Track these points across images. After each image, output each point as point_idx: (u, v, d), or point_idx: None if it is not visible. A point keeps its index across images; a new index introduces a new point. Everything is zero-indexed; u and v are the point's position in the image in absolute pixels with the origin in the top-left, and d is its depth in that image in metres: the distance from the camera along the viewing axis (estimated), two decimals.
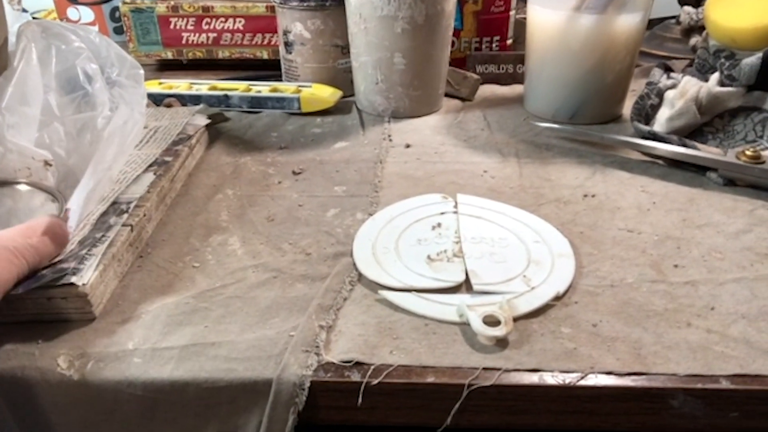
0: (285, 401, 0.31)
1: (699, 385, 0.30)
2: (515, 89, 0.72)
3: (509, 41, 0.77)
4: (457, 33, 0.73)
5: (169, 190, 0.47)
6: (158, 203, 0.45)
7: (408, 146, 0.58)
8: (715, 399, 0.30)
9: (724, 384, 0.30)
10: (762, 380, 0.30)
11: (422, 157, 0.56)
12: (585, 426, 0.32)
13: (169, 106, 0.63)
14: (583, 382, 0.31)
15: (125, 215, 0.40)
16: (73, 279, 0.34)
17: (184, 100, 0.65)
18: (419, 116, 0.65)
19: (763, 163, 0.48)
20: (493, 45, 0.75)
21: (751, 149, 0.49)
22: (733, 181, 0.49)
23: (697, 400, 0.30)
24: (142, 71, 0.49)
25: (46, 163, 0.42)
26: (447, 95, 0.69)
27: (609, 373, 0.31)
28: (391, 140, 0.59)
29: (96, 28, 0.90)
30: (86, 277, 0.34)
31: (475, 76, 0.69)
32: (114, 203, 0.41)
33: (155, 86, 0.68)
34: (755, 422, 0.31)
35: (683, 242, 0.42)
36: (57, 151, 0.44)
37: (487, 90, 0.72)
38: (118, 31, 0.90)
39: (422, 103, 0.65)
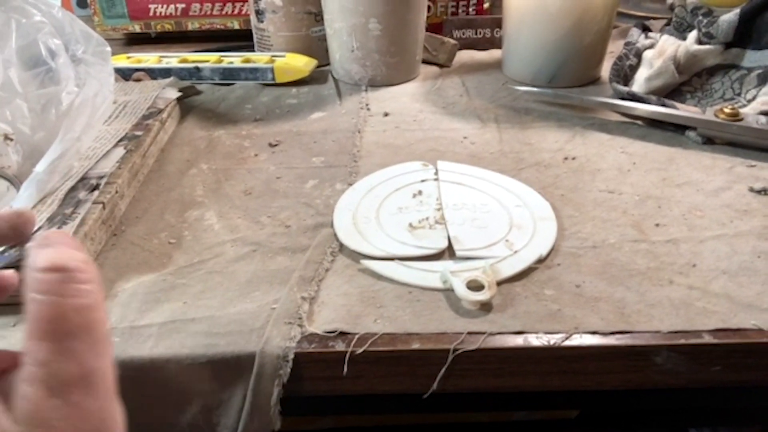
0: (269, 374, 0.30)
1: (682, 341, 0.30)
2: (493, 54, 0.71)
3: (486, 5, 0.75)
4: None
5: (141, 165, 0.46)
6: (130, 179, 0.44)
7: (386, 114, 0.57)
8: (698, 354, 0.31)
9: (707, 339, 0.31)
10: (743, 334, 0.31)
11: (401, 125, 0.55)
12: (571, 386, 0.32)
13: (138, 80, 0.61)
14: (567, 343, 0.31)
15: (96, 192, 0.39)
16: None
17: (154, 74, 0.63)
18: (397, 84, 0.64)
19: (741, 120, 0.48)
20: (470, 9, 0.74)
21: (729, 107, 0.48)
22: (712, 139, 0.49)
23: (680, 356, 0.31)
24: (108, 48, 0.47)
25: (6, 138, 0.40)
26: (424, 62, 0.67)
27: (593, 332, 0.31)
28: (369, 109, 0.58)
29: (58, 1, 0.87)
30: None
31: (453, 42, 0.68)
32: (83, 179, 0.40)
33: (123, 60, 0.66)
34: (737, 375, 0.31)
35: (664, 201, 0.42)
36: (21, 128, 0.42)
37: (465, 55, 0.71)
38: (82, 4, 0.86)
39: (399, 71, 0.63)
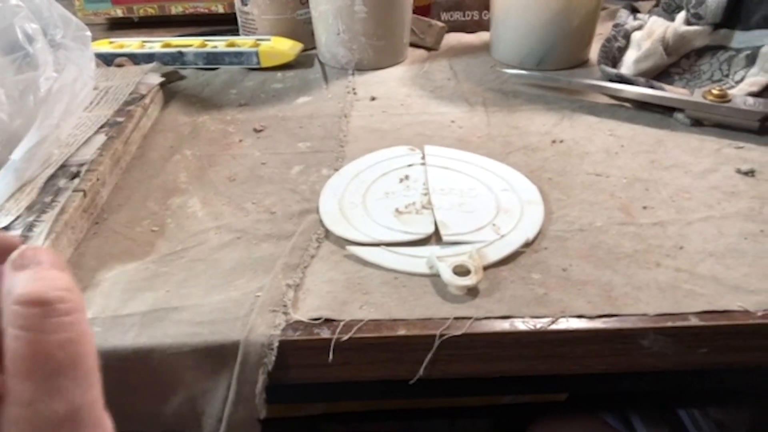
0: (254, 362, 0.30)
1: (669, 324, 0.30)
2: (481, 36, 0.70)
3: None
4: None
5: (123, 152, 0.45)
6: (112, 167, 0.43)
7: (373, 99, 0.56)
8: (685, 336, 0.31)
9: (693, 321, 0.30)
10: (730, 315, 0.31)
11: (388, 110, 0.54)
12: (557, 370, 0.32)
13: (120, 65, 0.60)
14: (554, 327, 0.30)
15: (76, 179, 0.38)
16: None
17: (137, 59, 0.62)
18: (384, 68, 0.63)
19: (729, 101, 0.47)
20: None
21: (717, 88, 0.48)
22: (700, 121, 0.49)
23: (667, 339, 0.31)
24: (89, 33, 0.46)
25: None
26: (412, 45, 0.66)
27: (580, 316, 0.31)
28: (355, 93, 0.58)
29: None
30: (37, 245, 0.32)
31: (440, 24, 0.67)
32: (63, 166, 0.39)
33: (105, 46, 0.64)
34: (723, 357, 0.31)
35: (651, 184, 0.42)
36: None
37: (453, 38, 0.70)
38: None
39: (386, 54, 0.62)
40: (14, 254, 0.18)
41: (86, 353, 0.17)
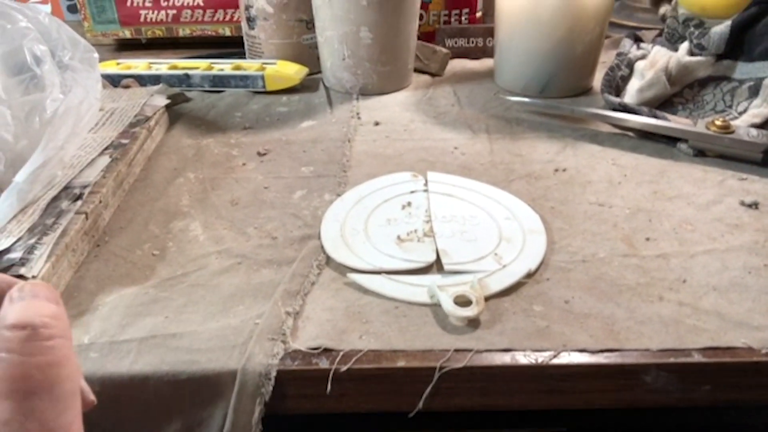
0: (251, 392, 0.30)
1: (671, 360, 0.30)
2: (485, 63, 0.70)
3: (479, 14, 0.75)
4: (425, 6, 0.71)
5: (126, 174, 0.45)
6: (115, 189, 0.43)
7: (377, 124, 0.57)
8: (688, 373, 0.30)
9: (697, 358, 0.30)
10: (733, 352, 0.30)
11: (392, 135, 0.54)
12: (559, 405, 0.31)
13: (127, 87, 0.61)
14: (555, 361, 0.30)
15: (79, 201, 0.39)
16: (22, 270, 0.32)
17: (143, 80, 0.62)
18: (388, 93, 0.63)
19: (733, 132, 0.47)
20: (463, 18, 0.74)
21: (721, 119, 0.48)
22: (703, 151, 0.49)
23: (670, 375, 0.30)
24: (96, 55, 0.47)
25: None
26: (416, 71, 0.67)
27: (582, 350, 0.31)
28: (359, 118, 0.58)
29: (48, 7, 0.86)
30: (36, 268, 0.32)
31: (445, 51, 0.68)
32: (66, 188, 0.39)
33: (112, 67, 0.65)
34: (727, 394, 0.31)
35: (654, 215, 0.42)
36: (4, 136, 0.41)
37: (457, 64, 0.70)
38: (72, 9, 0.86)
39: (391, 79, 0.63)
40: (14, 289, 0.19)
41: (65, 377, 0.18)
